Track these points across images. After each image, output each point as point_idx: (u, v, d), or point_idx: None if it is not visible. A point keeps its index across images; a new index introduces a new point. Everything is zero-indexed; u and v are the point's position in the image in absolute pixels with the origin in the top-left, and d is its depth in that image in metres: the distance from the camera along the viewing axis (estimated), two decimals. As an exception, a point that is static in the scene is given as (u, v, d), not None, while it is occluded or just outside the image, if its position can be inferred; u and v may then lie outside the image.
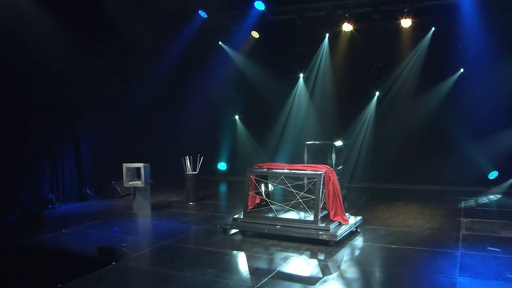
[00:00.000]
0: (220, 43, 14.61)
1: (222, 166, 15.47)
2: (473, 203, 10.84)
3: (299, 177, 8.30)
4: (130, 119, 12.89)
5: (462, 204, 10.60)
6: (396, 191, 12.27)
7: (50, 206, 11.03)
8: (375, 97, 13.39)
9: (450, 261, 6.60)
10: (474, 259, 6.71)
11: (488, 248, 7.24)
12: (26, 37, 10.29)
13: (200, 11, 13.12)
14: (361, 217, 8.56)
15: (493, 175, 12.45)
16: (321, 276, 6.28)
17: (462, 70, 12.44)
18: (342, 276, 6.27)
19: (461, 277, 5.99)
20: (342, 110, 13.56)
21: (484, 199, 11.27)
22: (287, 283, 5.92)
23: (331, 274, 6.36)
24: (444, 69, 12.60)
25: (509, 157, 11.99)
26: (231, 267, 6.74)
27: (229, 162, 15.38)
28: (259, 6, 12.58)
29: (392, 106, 13.14)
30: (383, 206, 10.57)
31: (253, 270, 6.51)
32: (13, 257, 7.51)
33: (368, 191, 12.36)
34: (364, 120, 13.37)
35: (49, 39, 10.64)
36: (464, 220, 9.12)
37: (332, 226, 7.56)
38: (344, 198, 9.93)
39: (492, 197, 11.56)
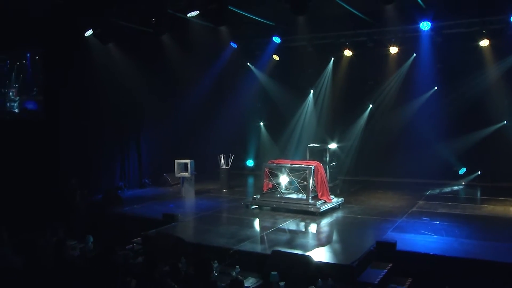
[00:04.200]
0: (248, 64, 18.10)
1: (250, 162, 18.99)
2: (437, 191, 14.11)
3: (297, 169, 11.79)
4: (177, 126, 16.20)
5: (428, 192, 13.84)
6: (381, 183, 15.48)
7: (120, 191, 14.72)
8: (368, 109, 16.68)
9: (390, 224, 10.03)
10: (407, 224, 10.16)
11: (422, 218, 10.69)
12: (112, 75, 13.87)
13: (231, 43, 16.64)
14: (342, 198, 12.11)
15: (462, 170, 15.68)
16: (304, 230, 9.96)
17: (436, 88, 15.63)
18: (319, 231, 9.93)
19: (391, 232, 9.47)
20: (343, 118, 16.73)
21: (447, 189, 14.51)
22: (282, 233, 9.61)
23: (312, 229, 10.01)
24: (422, 86, 15.57)
25: (474, 155, 15.22)
26: (249, 225, 10.44)
27: (255, 159, 18.87)
28: (276, 40, 16.05)
29: (381, 115, 16.29)
30: (367, 193, 14.00)
31: (262, 227, 10.23)
32: (108, 221, 11.40)
33: (360, 182, 15.64)
34: (359, 126, 16.58)
35: (125, 77, 14.14)
36: (420, 202, 12.47)
37: (318, 203, 11.12)
38: (337, 186, 13.55)
39: (455, 187, 14.81)
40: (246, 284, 6.72)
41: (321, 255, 7.96)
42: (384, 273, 7.65)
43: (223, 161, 15.09)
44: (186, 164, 13.94)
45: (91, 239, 8.69)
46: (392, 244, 8.31)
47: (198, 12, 11.20)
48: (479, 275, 7.54)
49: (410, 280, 7.77)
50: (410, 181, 15.45)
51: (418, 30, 14.55)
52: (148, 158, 16.27)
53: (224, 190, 14.96)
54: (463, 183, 15.26)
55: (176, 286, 5.99)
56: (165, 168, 15.74)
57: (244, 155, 18.67)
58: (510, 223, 10.18)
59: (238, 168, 17.42)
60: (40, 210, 10.98)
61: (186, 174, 13.94)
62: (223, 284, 6.11)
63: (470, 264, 7.71)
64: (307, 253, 7.83)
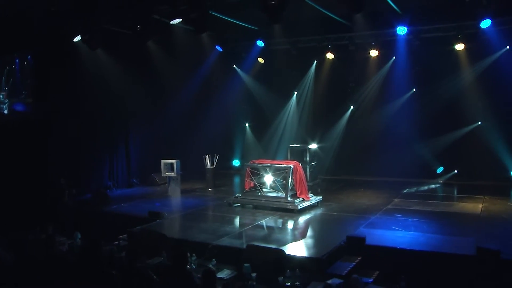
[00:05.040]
0: (234, 66, 18.61)
1: (236, 162, 19.53)
2: (414, 189, 14.69)
3: (277, 169, 12.35)
4: (165, 127, 16.73)
5: (405, 190, 14.40)
6: (362, 182, 16.03)
7: (108, 191, 15.16)
8: (350, 110, 17.28)
9: (363, 221, 10.56)
10: (380, 220, 10.71)
11: (395, 215, 11.25)
12: (101, 79, 14.38)
13: (217, 46, 17.14)
14: (321, 196, 12.65)
15: (440, 169, 16.30)
16: (281, 226, 10.50)
17: (414, 89, 16.26)
18: (295, 227, 10.47)
19: (363, 228, 10.00)
20: (325, 119, 17.38)
21: (424, 187, 15.12)
22: (259, 229, 10.14)
23: (289, 225, 10.54)
24: (401, 88, 16.18)
25: (451, 154, 15.83)
26: (229, 222, 10.96)
27: (241, 159, 19.39)
28: (260, 43, 16.62)
29: (362, 116, 16.94)
30: (347, 192, 14.51)
31: (242, 223, 10.74)
32: (96, 219, 11.89)
33: (341, 181, 16.17)
34: (340, 126, 17.18)
35: (113, 81, 14.65)
36: (396, 200, 13.02)
37: (296, 201, 11.66)
38: (317, 185, 14.10)
39: (432, 186, 15.43)
40: (221, 275, 7.26)
41: (294, 249, 8.50)
42: (352, 265, 8.16)
43: (208, 161, 15.58)
44: (172, 164, 14.43)
45: (79, 236, 9.18)
46: (362, 239, 8.86)
47: (181, 20, 11.72)
48: (440, 266, 8.11)
49: (377, 273, 8.28)
50: (390, 180, 15.98)
51: (397, 34, 15.07)
52: (136, 159, 16.74)
53: (210, 189, 15.44)
54: (440, 181, 15.87)
55: (155, 277, 6.52)
56: (153, 168, 16.14)
57: (231, 155, 19.19)
58: (476, 219, 10.74)
59: (225, 168, 17.96)
60: (30, 209, 11.45)
61: (172, 174, 14.43)
62: (198, 275, 6.61)
63: (432, 256, 8.26)
64: (281, 247, 8.35)
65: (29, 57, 12.96)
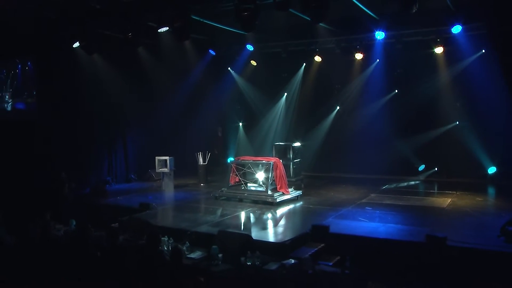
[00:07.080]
0: (229, 69, 19.47)
1: (230, 160, 20.49)
2: (393, 186, 15.57)
3: (259, 165, 13.28)
4: (161, 126, 17.62)
5: (385, 186, 15.27)
6: (346, 178, 16.76)
7: (107, 185, 16.28)
8: (336, 110, 18.26)
9: (334, 213, 11.49)
10: (350, 212, 11.60)
11: (366, 208, 12.15)
12: (98, 81, 15.40)
13: (210, 50, 18.17)
14: (301, 191, 13.58)
15: (421, 167, 17.17)
16: (257, 216, 11.45)
17: (396, 91, 17.18)
18: (269, 217, 11.42)
19: (332, 219, 10.91)
20: (312, 119, 18.35)
21: (404, 184, 15.97)
22: (237, 219, 11.13)
23: (265, 216, 11.49)
24: (384, 89, 17.07)
25: (432, 152, 16.67)
26: (212, 212, 11.92)
27: (235, 157, 20.27)
28: (250, 47, 17.60)
29: (347, 115, 17.84)
30: (329, 187, 15.35)
31: (222, 214, 11.69)
32: (94, 210, 12.93)
33: (327, 178, 17.01)
34: (327, 125, 18.13)
35: (110, 82, 15.59)
36: (372, 195, 13.88)
37: (276, 194, 12.60)
38: (301, 180, 15.02)
39: (412, 182, 16.25)
40: (192, 256, 8.29)
41: (262, 235, 9.48)
42: (313, 251, 9.09)
43: (201, 158, 16.56)
44: (165, 160, 15.43)
45: (74, 223, 10.22)
46: (326, 227, 9.80)
47: (168, 28, 12.71)
48: (392, 251, 9.00)
49: (338, 258, 9.22)
50: (372, 177, 16.66)
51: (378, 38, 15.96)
52: (134, 156, 17.76)
53: (202, 184, 16.41)
54: (421, 178, 16.69)
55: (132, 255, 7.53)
56: (151, 165, 16.88)
57: (225, 153, 20.18)
58: (440, 212, 11.61)
59: (219, 165, 18.93)
60: (32, 200, 12.51)
61: (165, 170, 15.43)
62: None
63: (386, 243, 9.18)
64: (251, 234, 9.31)
65: (28, 62, 14.24)
